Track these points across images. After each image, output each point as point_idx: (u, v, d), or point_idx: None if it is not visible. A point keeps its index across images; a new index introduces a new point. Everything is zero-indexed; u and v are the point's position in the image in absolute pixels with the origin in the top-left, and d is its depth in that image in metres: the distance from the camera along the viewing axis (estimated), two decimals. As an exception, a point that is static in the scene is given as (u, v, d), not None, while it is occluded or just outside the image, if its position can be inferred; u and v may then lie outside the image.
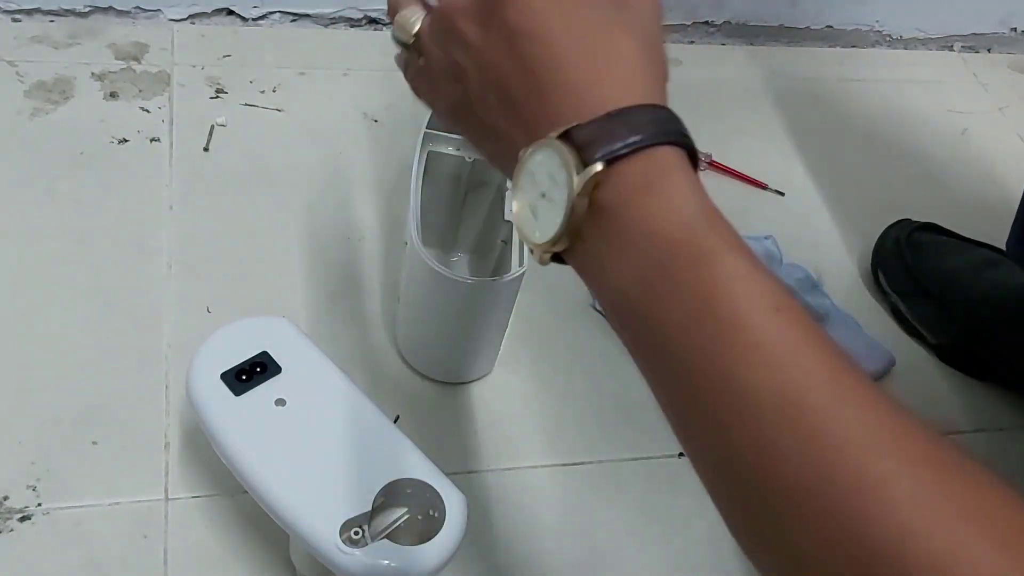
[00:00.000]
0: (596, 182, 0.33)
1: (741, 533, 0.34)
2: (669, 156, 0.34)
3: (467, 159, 0.73)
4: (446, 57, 0.39)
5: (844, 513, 0.28)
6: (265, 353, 0.59)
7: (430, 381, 0.73)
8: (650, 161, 0.33)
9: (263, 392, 0.57)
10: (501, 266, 0.72)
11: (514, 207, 0.37)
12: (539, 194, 0.35)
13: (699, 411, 0.32)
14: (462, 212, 0.77)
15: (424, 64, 0.41)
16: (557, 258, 0.36)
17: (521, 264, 0.66)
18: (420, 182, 0.70)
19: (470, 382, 0.74)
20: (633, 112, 0.34)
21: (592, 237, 0.34)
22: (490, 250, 0.76)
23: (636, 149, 0.33)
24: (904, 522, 0.27)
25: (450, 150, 0.73)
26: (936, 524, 0.27)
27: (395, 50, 0.43)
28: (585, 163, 0.33)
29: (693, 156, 0.35)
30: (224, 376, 0.58)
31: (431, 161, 0.72)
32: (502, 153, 0.38)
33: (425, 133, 0.72)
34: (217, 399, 0.57)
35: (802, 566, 0.30)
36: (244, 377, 0.58)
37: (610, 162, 0.33)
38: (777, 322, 0.31)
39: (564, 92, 0.35)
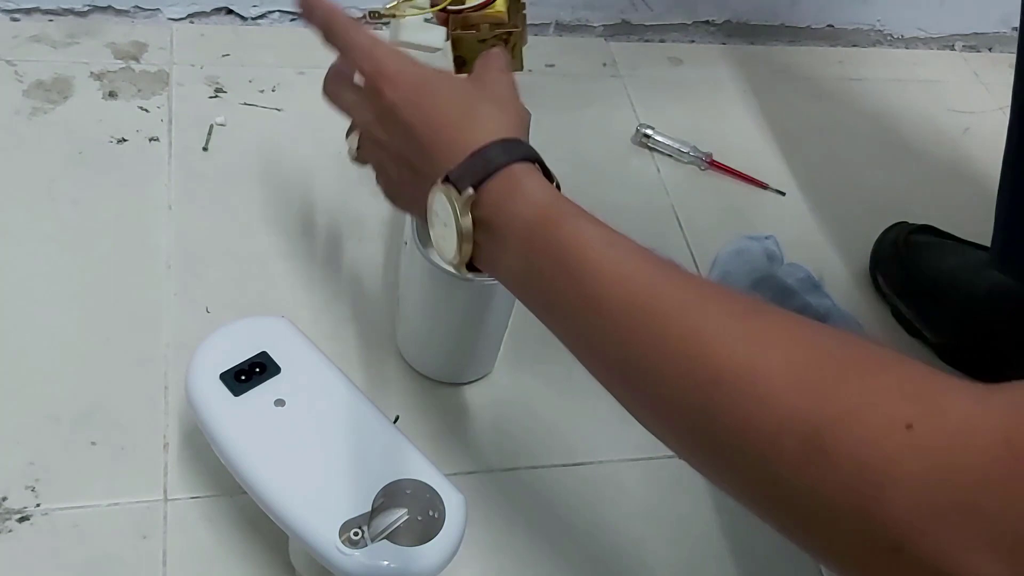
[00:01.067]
0: (472, 202, 0.46)
1: (623, 400, 0.46)
2: (521, 169, 0.47)
3: None
4: (374, 158, 0.55)
5: (680, 357, 0.39)
6: (264, 353, 0.59)
7: (430, 381, 0.73)
8: (508, 176, 0.47)
9: (262, 392, 0.57)
10: None
11: (433, 241, 0.50)
12: (442, 224, 0.48)
13: (580, 334, 0.45)
14: None
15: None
16: (472, 268, 0.49)
17: None
18: None
19: (470, 382, 0.74)
20: (489, 147, 0.47)
21: (483, 243, 0.47)
22: None
23: (494, 170, 0.46)
24: (716, 348, 0.38)
25: None
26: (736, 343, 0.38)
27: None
28: (460, 192, 0.46)
29: (543, 166, 0.49)
30: (223, 376, 0.57)
31: None
32: (418, 211, 0.51)
33: None
34: (216, 399, 0.57)
35: (662, 400, 0.41)
36: (243, 377, 0.58)
37: (477, 186, 0.46)
38: (612, 252, 0.44)
39: (442, 150, 0.49)
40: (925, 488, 0.32)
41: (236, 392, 0.57)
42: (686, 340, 0.39)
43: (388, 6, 0.60)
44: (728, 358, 0.37)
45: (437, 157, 0.49)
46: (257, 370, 0.58)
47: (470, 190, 0.46)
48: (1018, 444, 0.31)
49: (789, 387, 0.35)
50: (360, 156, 0.57)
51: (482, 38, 0.58)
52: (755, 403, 0.36)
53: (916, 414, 0.33)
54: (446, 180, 0.47)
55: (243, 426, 0.56)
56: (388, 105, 0.51)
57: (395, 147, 0.52)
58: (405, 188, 0.53)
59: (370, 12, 0.60)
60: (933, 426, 0.33)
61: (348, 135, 0.57)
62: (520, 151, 0.48)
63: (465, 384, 0.73)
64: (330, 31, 0.57)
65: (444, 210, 0.47)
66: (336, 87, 0.58)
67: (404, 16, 0.60)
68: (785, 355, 0.37)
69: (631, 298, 0.42)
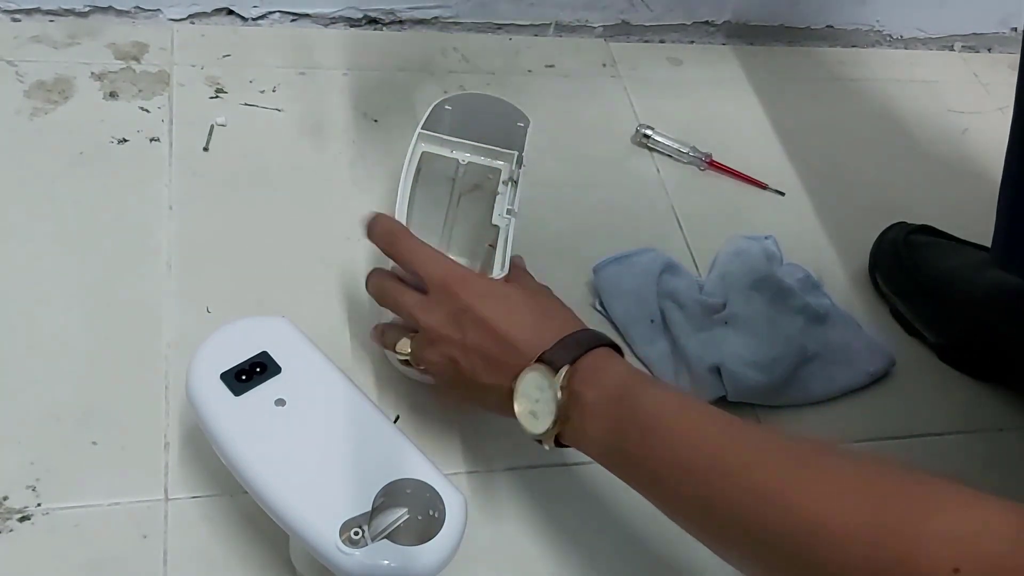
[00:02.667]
0: (569, 376, 0.54)
1: (706, 543, 0.52)
2: (602, 352, 0.56)
3: (461, 162, 0.73)
4: (439, 354, 0.60)
5: (752, 512, 0.45)
6: (265, 353, 0.59)
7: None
8: (594, 356, 0.55)
9: (263, 392, 0.57)
10: (487, 270, 0.72)
11: (519, 418, 0.56)
12: (533, 401, 0.55)
13: (661, 491, 0.52)
14: (456, 214, 0.77)
15: (425, 367, 0.63)
16: (559, 443, 0.56)
17: (503, 268, 0.67)
18: (411, 180, 0.70)
19: None
20: (576, 335, 0.57)
21: (573, 416, 0.54)
22: (479, 254, 0.76)
23: (585, 351, 0.55)
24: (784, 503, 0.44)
25: (444, 152, 0.73)
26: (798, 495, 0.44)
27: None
28: (556, 371, 0.54)
29: (615, 347, 0.57)
30: (224, 376, 0.58)
31: (425, 161, 0.72)
32: (490, 396, 0.59)
33: (420, 132, 0.72)
34: (217, 399, 0.57)
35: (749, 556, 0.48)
36: (244, 377, 0.58)
37: (572, 363, 0.54)
38: (686, 417, 0.51)
39: (526, 339, 0.57)
40: None
41: (236, 392, 0.57)
42: (757, 495, 0.45)
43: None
44: (796, 511, 0.43)
45: (521, 346, 0.57)
46: (257, 370, 0.58)
47: (566, 367, 0.54)
48: None
49: (851, 536, 0.41)
50: (419, 356, 0.62)
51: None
52: (823, 551, 0.42)
53: (962, 558, 0.38)
54: (540, 361, 0.55)
55: (243, 426, 0.56)
56: (464, 305, 0.59)
57: (471, 341, 0.58)
58: (479, 377, 0.59)
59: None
60: (978, 570, 0.38)
61: (394, 344, 0.64)
62: (600, 337, 0.57)
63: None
64: (392, 242, 0.64)
65: (538, 388, 0.55)
66: (395, 291, 0.64)
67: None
68: (847, 505, 0.43)
69: (706, 460, 0.48)
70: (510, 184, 0.71)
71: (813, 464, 0.46)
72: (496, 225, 0.70)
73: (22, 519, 0.61)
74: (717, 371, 0.75)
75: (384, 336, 0.67)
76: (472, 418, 0.72)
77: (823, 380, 0.79)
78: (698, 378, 0.75)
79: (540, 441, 0.56)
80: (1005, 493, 0.77)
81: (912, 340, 0.86)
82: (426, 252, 0.62)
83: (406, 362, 0.64)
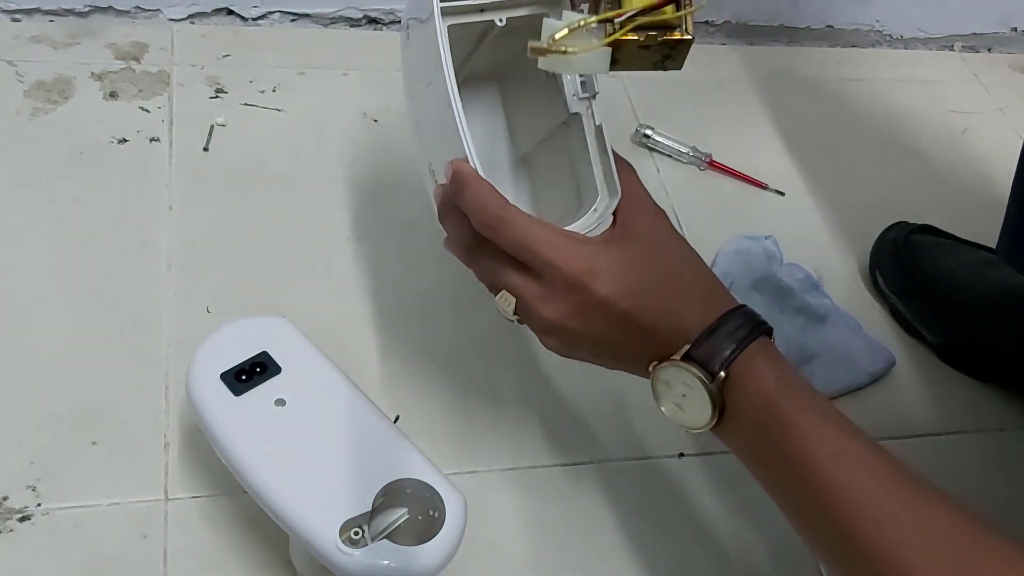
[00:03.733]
0: (720, 383, 0.50)
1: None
2: (757, 347, 0.51)
3: (498, 22, 0.56)
4: (563, 345, 0.56)
5: None
6: (265, 353, 0.59)
7: (430, 381, 0.73)
8: (746, 357, 0.50)
9: (263, 392, 0.57)
10: (579, 190, 0.60)
11: (662, 407, 0.53)
12: (680, 395, 0.52)
13: (797, 514, 0.50)
14: (507, 97, 0.61)
15: (553, 322, 0.54)
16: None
17: (611, 192, 0.56)
18: (454, 76, 0.52)
19: None
20: (722, 324, 0.51)
21: (723, 418, 0.51)
22: (539, 160, 0.63)
23: (739, 350, 0.50)
24: None
25: (474, 18, 0.55)
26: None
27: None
28: (712, 374, 0.50)
29: (769, 331, 0.53)
30: (224, 376, 0.58)
31: (452, 32, 0.54)
32: (628, 363, 0.55)
33: (442, 7, 0.53)
34: (217, 399, 0.57)
35: None
36: (244, 377, 0.58)
37: (725, 367, 0.50)
38: (840, 467, 0.48)
39: (667, 332, 0.52)
40: None
41: (236, 392, 0.57)
42: (903, 571, 0.44)
43: (557, 37, 0.47)
44: None
45: (662, 335, 0.52)
46: (257, 370, 0.58)
47: (722, 373, 0.50)
48: None
49: None
50: (536, 332, 0.56)
51: (645, 44, 0.51)
52: None
53: None
54: (688, 358, 0.51)
55: (244, 426, 0.56)
56: (597, 299, 0.52)
57: (601, 334, 0.53)
58: (609, 363, 0.56)
59: (531, 47, 0.47)
60: None
61: (498, 293, 0.56)
62: (753, 325, 0.52)
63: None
64: (496, 226, 0.53)
65: (687, 385, 0.51)
66: (504, 274, 0.54)
67: (575, 52, 0.48)
68: None
69: (852, 517, 0.46)
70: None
71: (976, 560, 0.44)
72: (575, 113, 0.56)
73: (22, 519, 0.61)
74: (717, 371, 0.75)
75: (478, 264, 0.56)
76: (472, 418, 0.72)
77: (823, 380, 0.79)
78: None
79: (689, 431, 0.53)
80: (1005, 493, 0.77)
81: (912, 340, 0.86)
82: (540, 234, 0.53)
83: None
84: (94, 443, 0.65)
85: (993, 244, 0.87)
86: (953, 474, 0.77)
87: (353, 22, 1.02)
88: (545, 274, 0.53)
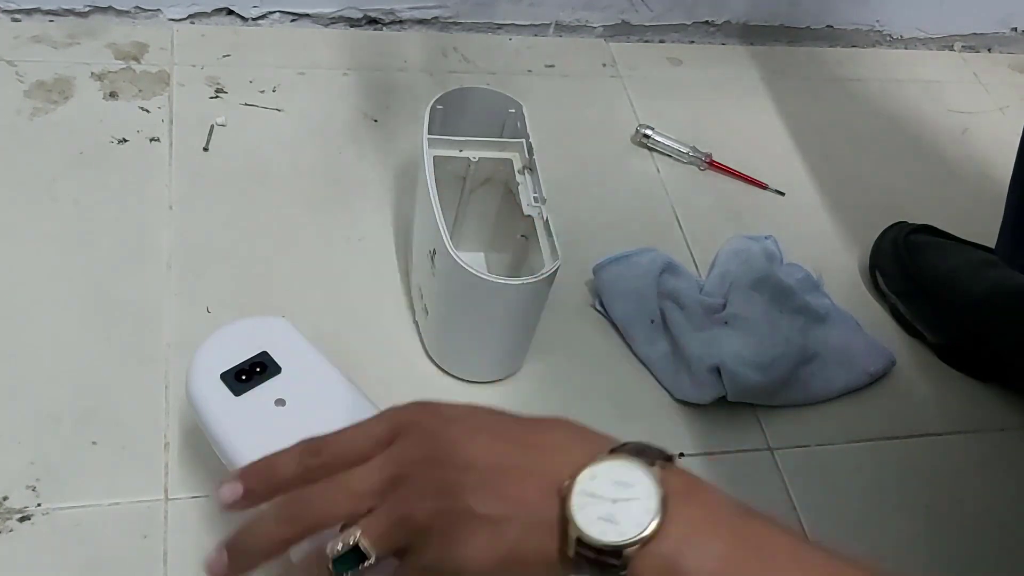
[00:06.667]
0: (663, 479, 0.38)
1: None
2: (685, 472, 0.39)
3: (472, 159, 0.73)
4: (417, 495, 0.40)
5: None
6: (265, 353, 0.59)
7: (430, 380, 0.73)
8: (681, 472, 0.39)
9: (263, 392, 0.57)
10: (523, 260, 0.73)
11: (583, 525, 0.37)
12: (609, 502, 0.37)
13: None
14: (466, 210, 0.77)
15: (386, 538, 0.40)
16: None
17: (555, 257, 0.67)
18: (436, 190, 0.68)
19: (491, 382, 0.74)
20: (638, 442, 0.40)
21: (671, 527, 0.37)
22: (506, 246, 0.76)
23: (668, 458, 0.39)
24: None
25: (453, 152, 0.73)
26: None
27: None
28: (651, 463, 0.38)
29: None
30: (224, 376, 0.58)
31: (436, 165, 0.72)
32: (509, 530, 0.39)
33: (428, 139, 0.72)
34: (217, 399, 0.57)
35: None
36: (244, 377, 0.58)
37: (666, 460, 0.39)
38: None
39: (567, 445, 0.41)
40: None
41: (236, 392, 0.57)
42: None
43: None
44: None
45: (561, 448, 0.41)
46: (258, 370, 0.58)
47: (665, 462, 0.39)
48: None
49: None
50: (390, 516, 0.40)
51: None
52: None
53: None
54: (619, 451, 0.39)
55: (243, 426, 0.56)
56: (453, 417, 0.42)
57: (480, 455, 0.40)
58: (485, 504, 0.39)
59: None
60: None
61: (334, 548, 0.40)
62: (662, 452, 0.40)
63: (482, 384, 0.74)
64: (310, 458, 0.43)
65: (619, 483, 0.38)
66: (319, 489, 0.42)
67: None
68: None
69: None
70: (526, 172, 0.72)
71: None
72: (528, 216, 0.70)
73: (22, 519, 0.61)
74: (717, 371, 0.75)
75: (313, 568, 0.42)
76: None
77: (823, 380, 0.79)
78: (698, 378, 0.75)
79: (602, 558, 0.37)
80: (1005, 493, 0.77)
81: (912, 340, 0.86)
82: (353, 426, 0.43)
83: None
84: (94, 443, 0.65)
85: (993, 244, 0.88)
86: (953, 474, 0.78)
87: (353, 22, 1.02)
88: (389, 433, 0.42)
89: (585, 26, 1.09)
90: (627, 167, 0.96)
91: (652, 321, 0.79)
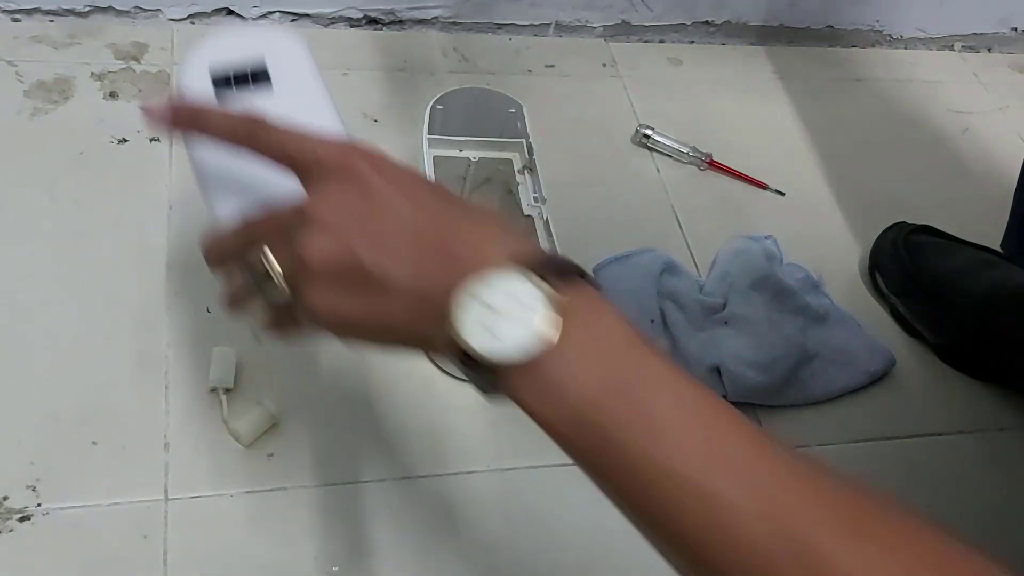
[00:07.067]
0: (557, 301, 0.37)
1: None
2: (593, 290, 0.39)
3: (472, 159, 0.73)
4: (331, 243, 0.40)
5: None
6: (262, 64, 0.54)
7: (429, 380, 0.73)
8: (586, 294, 0.38)
9: (244, 99, 0.52)
10: None
11: (461, 330, 0.37)
12: (491, 312, 0.37)
13: (642, 505, 0.39)
14: None
15: (298, 275, 0.41)
16: (497, 388, 0.38)
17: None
18: None
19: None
20: (552, 255, 0.39)
21: (553, 355, 0.37)
22: None
23: (575, 277, 0.38)
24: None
25: (453, 152, 0.73)
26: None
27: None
28: (557, 280, 0.37)
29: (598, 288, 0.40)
30: (214, 75, 0.53)
31: (436, 165, 0.73)
32: (397, 305, 0.39)
33: (428, 139, 0.72)
34: (200, 94, 0.52)
35: None
36: (233, 82, 0.53)
37: (563, 279, 0.37)
38: (696, 422, 0.37)
39: (481, 236, 0.39)
40: None
41: (219, 95, 0.52)
42: (789, 540, 0.34)
43: None
44: (833, 568, 0.33)
45: (476, 237, 0.40)
46: (250, 79, 0.53)
47: (561, 279, 0.38)
48: None
49: None
50: (299, 255, 0.40)
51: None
52: None
53: None
54: (515, 263, 0.38)
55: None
56: (381, 179, 0.41)
57: (392, 221, 0.40)
58: (389, 273, 0.39)
59: None
60: None
61: (261, 260, 0.42)
62: (584, 271, 0.40)
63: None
64: (252, 131, 0.43)
65: (506, 296, 0.37)
66: (264, 217, 0.43)
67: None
68: (889, 568, 0.34)
69: (729, 476, 0.35)
70: (526, 172, 0.72)
71: (868, 533, 0.35)
72: (528, 216, 0.70)
73: (22, 519, 0.61)
74: (717, 371, 0.75)
75: (238, 296, 0.46)
76: (474, 418, 0.72)
77: (823, 380, 0.79)
78: (698, 378, 0.75)
79: (480, 374, 0.38)
80: (1005, 493, 0.77)
81: (912, 340, 0.86)
82: (303, 131, 0.43)
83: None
84: (94, 443, 0.65)
85: (993, 244, 0.88)
86: (953, 474, 0.78)
87: (353, 22, 1.02)
88: (319, 170, 0.41)
89: (585, 26, 1.09)
90: (627, 167, 0.96)
91: (652, 321, 0.79)
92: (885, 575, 0.34)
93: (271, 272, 0.42)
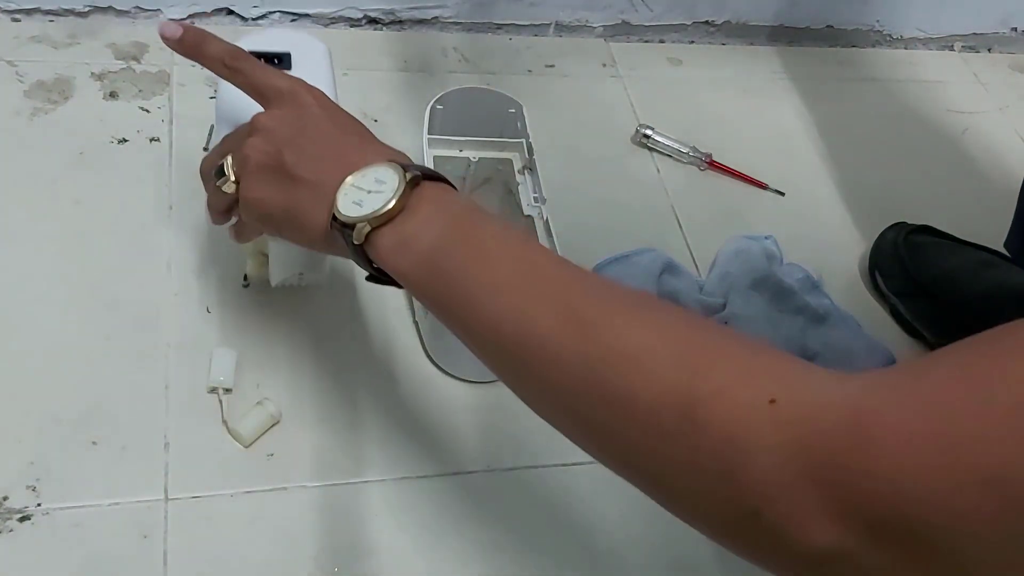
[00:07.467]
0: (415, 183, 0.49)
1: (515, 383, 0.47)
2: (450, 188, 0.52)
3: (472, 159, 0.73)
4: (263, 143, 0.53)
5: (573, 338, 0.42)
6: (288, 54, 0.63)
7: (430, 380, 0.73)
8: (442, 187, 0.51)
9: None
10: None
11: (336, 206, 0.50)
12: (363, 192, 0.50)
13: (479, 316, 0.46)
14: None
15: (240, 165, 0.55)
16: (363, 252, 0.50)
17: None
18: None
19: (494, 381, 0.74)
20: (423, 166, 0.52)
21: (405, 218, 0.49)
22: None
23: (435, 179, 0.51)
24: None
25: (453, 152, 0.73)
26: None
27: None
28: (414, 176, 0.49)
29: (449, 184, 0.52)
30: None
31: (436, 165, 0.73)
32: (303, 194, 0.52)
33: (428, 139, 0.73)
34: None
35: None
36: (262, 60, 0.59)
37: (425, 177, 0.50)
38: (510, 243, 0.48)
39: (371, 148, 0.54)
40: (781, 458, 0.35)
41: None
42: (580, 323, 0.42)
43: None
44: (617, 339, 0.41)
45: (366, 148, 0.54)
46: (274, 62, 0.62)
47: (418, 173, 0.50)
48: (865, 421, 0.33)
49: (669, 365, 0.39)
50: (240, 151, 0.55)
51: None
52: (639, 379, 0.39)
53: (780, 391, 0.36)
54: (391, 161, 0.51)
55: (238, 94, 0.58)
56: (312, 104, 0.55)
57: (308, 132, 0.54)
58: (300, 169, 0.52)
59: None
60: (793, 401, 0.36)
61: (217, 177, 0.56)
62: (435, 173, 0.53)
63: (482, 384, 0.74)
64: (237, 57, 0.57)
65: (377, 181, 0.50)
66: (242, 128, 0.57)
67: None
68: (668, 338, 0.40)
69: (535, 282, 0.45)
70: (526, 172, 0.72)
71: (643, 304, 0.43)
72: (528, 216, 0.70)
73: (22, 519, 0.61)
74: (717, 371, 0.75)
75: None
76: (473, 418, 0.72)
77: (823, 380, 0.79)
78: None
79: (346, 232, 0.49)
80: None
81: (912, 340, 0.86)
82: (274, 69, 0.57)
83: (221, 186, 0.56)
84: (94, 443, 0.65)
85: (993, 244, 0.88)
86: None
87: (353, 22, 1.02)
88: (276, 95, 0.55)
89: (585, 26, 1.09)
90: (627, 167, 0.96)
91: (652, 321, 0.79)
92: (643, 331, 0.41)
93: (226, 169, 0.55)
